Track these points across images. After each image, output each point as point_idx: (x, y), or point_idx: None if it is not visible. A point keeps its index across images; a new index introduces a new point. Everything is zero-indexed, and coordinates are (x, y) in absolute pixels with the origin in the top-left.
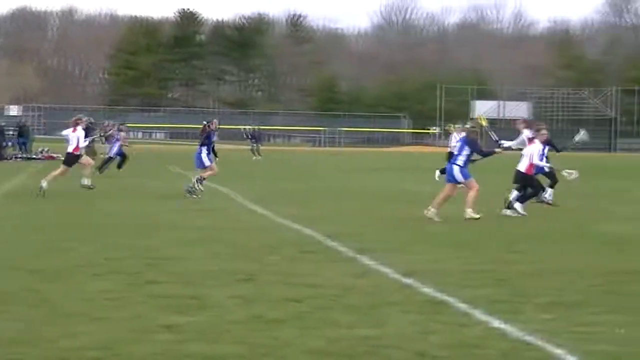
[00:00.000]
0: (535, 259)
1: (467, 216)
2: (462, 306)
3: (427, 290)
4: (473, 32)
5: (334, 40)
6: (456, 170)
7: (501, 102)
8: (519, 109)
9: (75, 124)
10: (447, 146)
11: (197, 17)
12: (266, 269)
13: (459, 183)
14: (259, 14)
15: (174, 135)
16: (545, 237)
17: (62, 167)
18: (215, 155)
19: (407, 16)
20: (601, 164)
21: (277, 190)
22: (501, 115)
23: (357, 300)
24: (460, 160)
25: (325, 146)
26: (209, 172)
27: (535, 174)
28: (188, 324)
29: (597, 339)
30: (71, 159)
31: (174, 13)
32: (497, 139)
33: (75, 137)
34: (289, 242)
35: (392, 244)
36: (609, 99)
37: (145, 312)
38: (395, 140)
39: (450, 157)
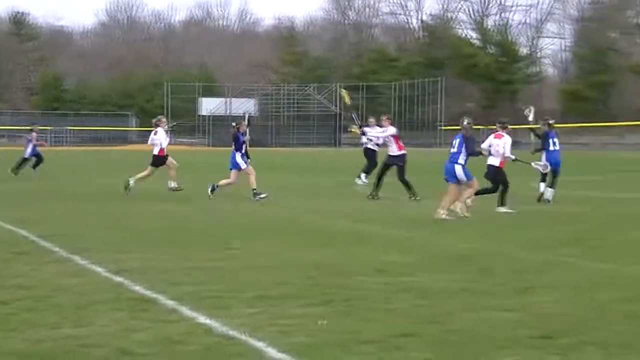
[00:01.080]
0: (248, 255)
1: (461, 214)
2: (170, 303)
3: (137, 288)
4: (199, 29)
5: (59, 37)
6: (459, 169)
7: (227, 99)
8: (245, 106)
9: (156, 126)
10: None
11: None
12: None
13: (460, 182)
14: None
15: None
16: (261, 232)
17: (149, 168)
18: (248, 157)
19: (133, 13)
20: (329, 159)
21: None
22: (228, 112)
23: (66, 300)
24: (461, 158)
25: (51, 145)
26: (252, 178)
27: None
28: None
29: (298, 331)
30: (158, 161)
31: None
32: (359, 124)
33: (158, 139)
34: (1, 244)
35: (106, 244)
36: (334, 95)
37: None
38: (122, 138)
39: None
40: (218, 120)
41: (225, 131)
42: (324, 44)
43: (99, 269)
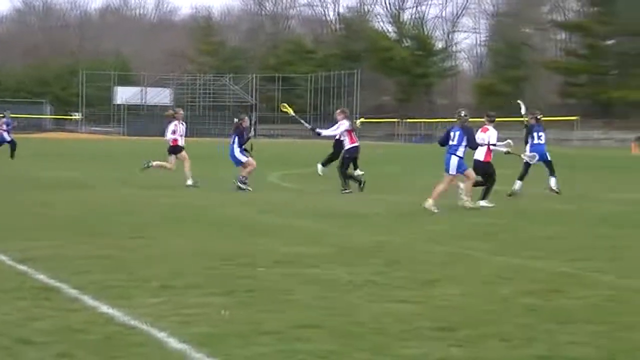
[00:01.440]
0: (157, 244)
1: (467, 205)
2: (73, 292)
3: (41, 276)
4: (116, 17)
5: None
6: (454, 161)
7: (143, 88)
8: (160, 95)
9: (173, 117)
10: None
11: None
12: None
13: (452, 175)
14: None
15: None
16: (169, 222)
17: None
18: (248, 150)
19: (48, 0)
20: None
21: None
22: (143, 101)
23: None
24: (460, 151)
25: None
26: (249, 169)
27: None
28: None
29: (201, 321)
30: (174, 150)
31: None
32: (311, 126)
33: (170, 131)
34: None
35: (12, 231)
36: (250, 85)
37: None
38: (37, 126)
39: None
40: (133, 109)
41: (140, 120)
42: (240, 35)
43: (3, 258)
